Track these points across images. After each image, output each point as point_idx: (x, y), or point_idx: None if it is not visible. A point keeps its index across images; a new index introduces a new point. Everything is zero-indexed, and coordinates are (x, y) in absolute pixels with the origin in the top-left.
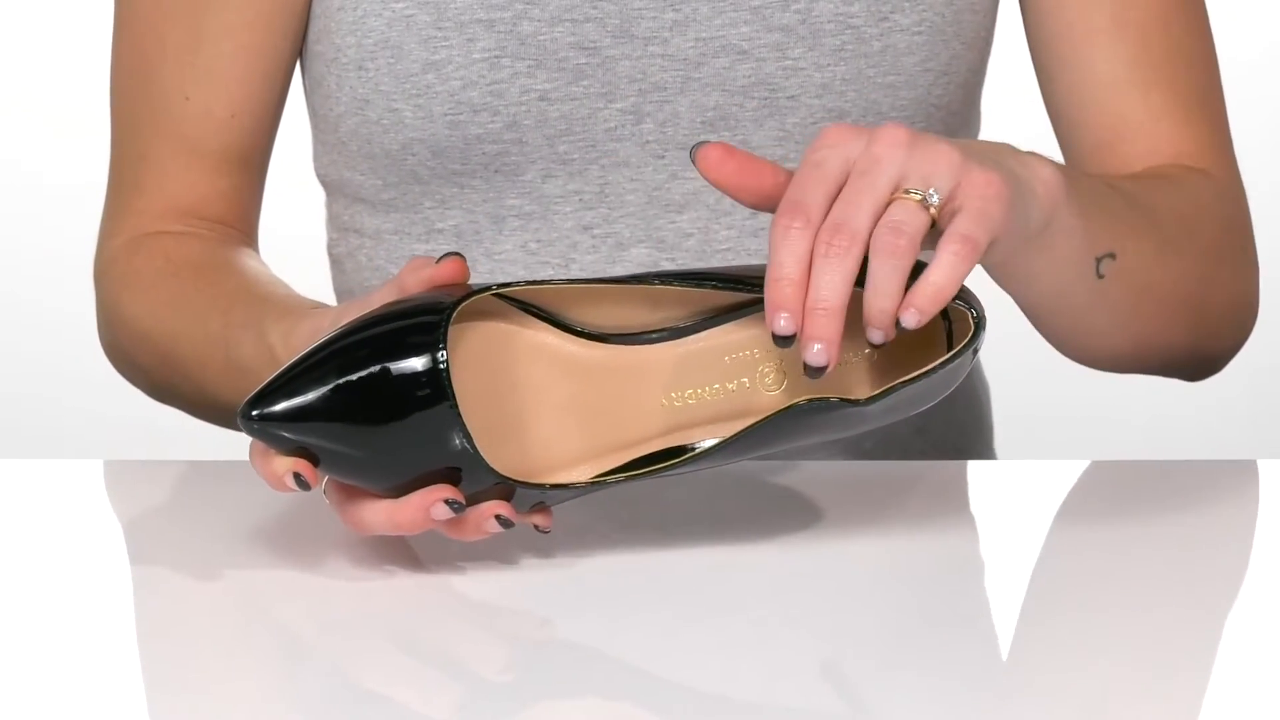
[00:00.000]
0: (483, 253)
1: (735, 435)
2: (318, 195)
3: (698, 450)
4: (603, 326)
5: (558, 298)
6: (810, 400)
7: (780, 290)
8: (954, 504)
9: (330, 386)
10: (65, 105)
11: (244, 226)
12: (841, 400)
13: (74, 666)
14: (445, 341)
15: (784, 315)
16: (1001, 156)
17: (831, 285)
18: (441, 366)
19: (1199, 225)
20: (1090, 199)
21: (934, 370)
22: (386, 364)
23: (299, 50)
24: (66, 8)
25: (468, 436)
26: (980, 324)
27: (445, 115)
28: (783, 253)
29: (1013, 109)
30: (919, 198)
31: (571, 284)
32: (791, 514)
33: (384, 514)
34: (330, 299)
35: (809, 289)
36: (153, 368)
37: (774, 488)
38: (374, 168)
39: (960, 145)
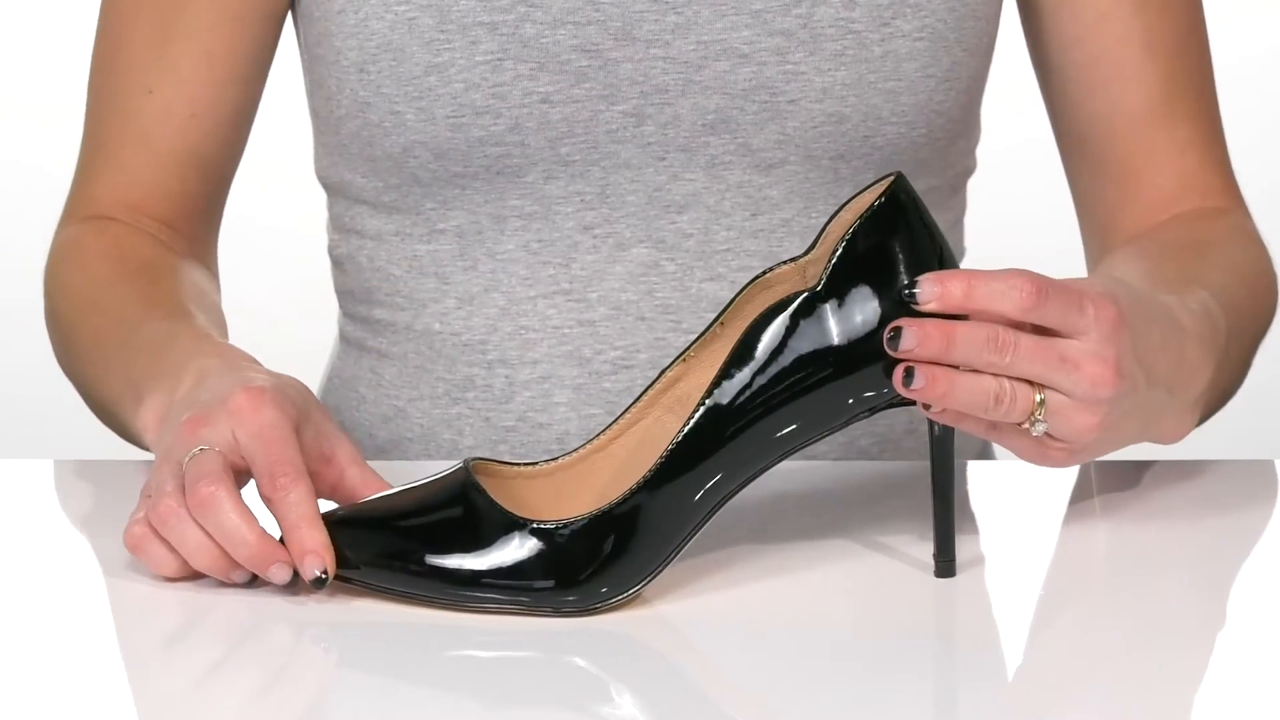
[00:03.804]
0: (484, 252)
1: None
2: (319, 196)
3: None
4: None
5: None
6: (772, 306)
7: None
8: (958, 503)
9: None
10: (66, 105)
11: (191, 233)
12: (801, 293)
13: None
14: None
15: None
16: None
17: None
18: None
19: (1260, 293)
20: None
21: (865, 220)
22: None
23: (271, 58)
24: (67, 8)
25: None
26: (897, 176)
27: (447, 117)
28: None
29: (1013, 117)
30: (1038, 411)
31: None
32: (790, 514)
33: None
34: (331, 299)
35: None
36: (66, 338)
37: (772, 488)
38: (375, 169)
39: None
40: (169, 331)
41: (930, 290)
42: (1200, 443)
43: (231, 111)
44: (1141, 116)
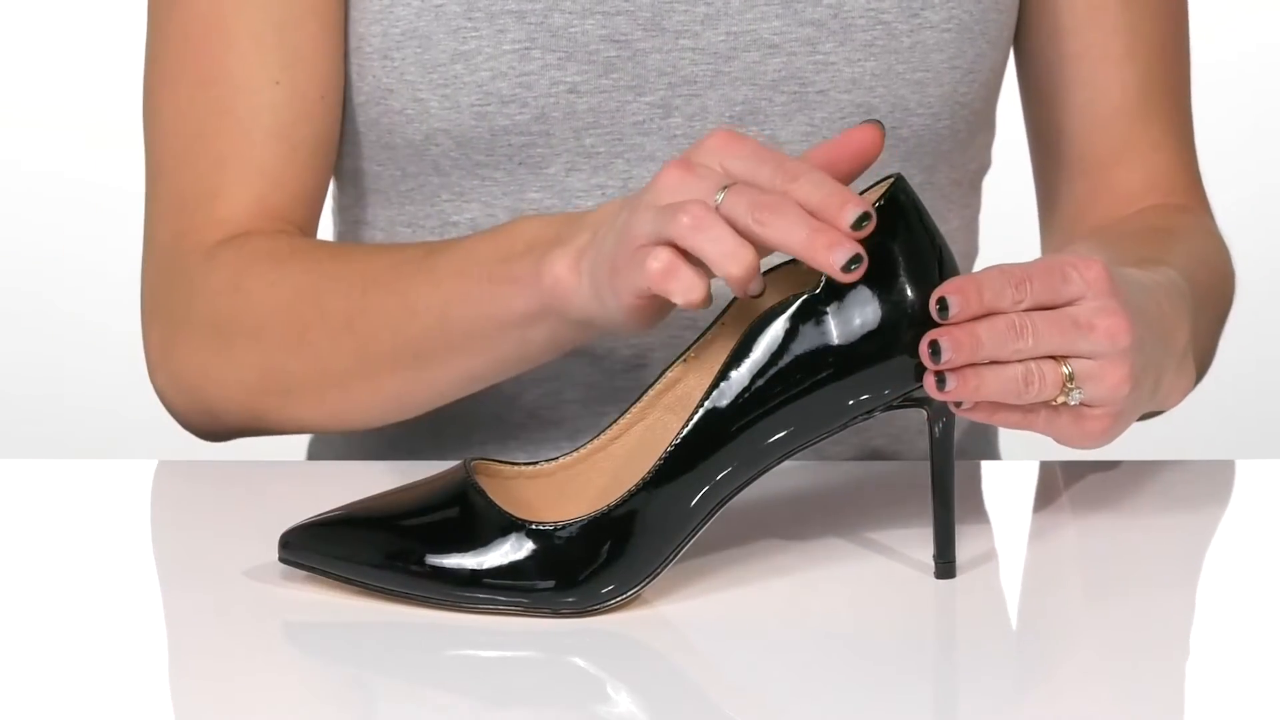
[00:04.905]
0: None
1: (722, 369)
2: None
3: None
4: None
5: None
6: (771, 308)
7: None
8: (958, 503)
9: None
10: (70, 112)
11: (313, 231)
12: (800, 295)
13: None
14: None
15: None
16: (1167, 346)
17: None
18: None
19: (1219, 280)
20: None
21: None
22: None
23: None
24: (64, 11)
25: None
26: (897, 177)
27: (472, 106)
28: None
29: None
30: (1069, 382)
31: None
32: (790, 514)
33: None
34: None
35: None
36: (302, 328)
37: (772, 489)
38: (393, 158)
39: (1141, 352)
40: (465, 238)
41: (957, 303)
42: (1199, 445)
43: (342, 87)
44: (1120, 112)
